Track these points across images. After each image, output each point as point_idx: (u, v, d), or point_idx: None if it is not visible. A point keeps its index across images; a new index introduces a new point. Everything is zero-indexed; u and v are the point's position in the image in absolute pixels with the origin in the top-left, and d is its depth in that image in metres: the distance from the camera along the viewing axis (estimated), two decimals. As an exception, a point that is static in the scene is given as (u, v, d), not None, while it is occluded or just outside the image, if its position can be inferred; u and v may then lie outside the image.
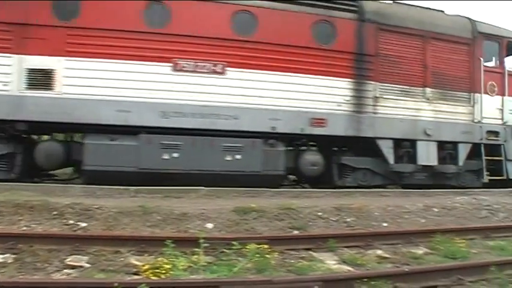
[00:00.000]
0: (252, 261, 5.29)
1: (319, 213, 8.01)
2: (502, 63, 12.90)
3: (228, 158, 10.04)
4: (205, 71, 10.11)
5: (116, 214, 7.01)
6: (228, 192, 9.38)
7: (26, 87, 9.26)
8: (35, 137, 11.21)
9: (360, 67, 11.17)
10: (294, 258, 5.93)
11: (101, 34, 9.52)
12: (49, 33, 9.31)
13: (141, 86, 9.72)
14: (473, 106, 12.25)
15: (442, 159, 11.86)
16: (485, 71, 12.40)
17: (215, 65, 10.17)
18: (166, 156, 9.70)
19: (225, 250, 5.70)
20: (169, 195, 8.81)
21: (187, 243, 5.67)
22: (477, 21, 12.65)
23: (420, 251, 6.70)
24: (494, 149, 12.49)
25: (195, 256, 5.21)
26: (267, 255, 5.53)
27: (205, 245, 5.13)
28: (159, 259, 5.13)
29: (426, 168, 11.77)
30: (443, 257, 6.40)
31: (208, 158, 9.88)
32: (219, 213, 7.47)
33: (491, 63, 12.91)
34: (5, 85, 9.18)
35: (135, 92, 9.69)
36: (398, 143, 11.47)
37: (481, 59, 12.35)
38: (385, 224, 8.19)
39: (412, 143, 11.61)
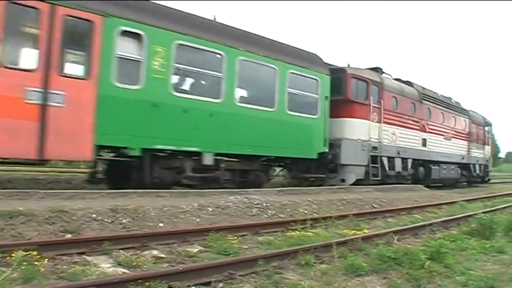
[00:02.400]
0: (18, 270, 4.99)
1: (94, 215, 7.87)
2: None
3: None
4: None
5: None
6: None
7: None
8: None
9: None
10: (66, 264, 5.74)
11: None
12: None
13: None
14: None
15: None
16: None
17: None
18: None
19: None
20: None
21: None
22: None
23: (195, 249, 7.08)
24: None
25: None
26: (36, 263, 5.29)
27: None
28: None
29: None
30: (217, 253, 6.86)
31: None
32: (-23, 218, 6.83)
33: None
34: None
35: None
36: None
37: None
38: (161, 224, 8.43)
39: None
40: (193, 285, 5.22)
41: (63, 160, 11.56)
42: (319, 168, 15.97)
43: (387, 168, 18.71)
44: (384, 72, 19.65)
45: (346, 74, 17.09)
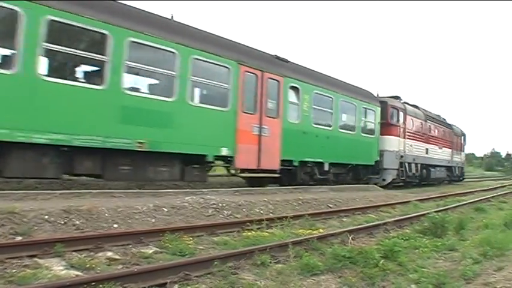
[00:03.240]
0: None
1: (46, 217, 7.67)
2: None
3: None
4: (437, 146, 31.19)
5: None
6: None
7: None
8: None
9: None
10: (16, 267, 5.58)
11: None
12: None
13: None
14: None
15: None
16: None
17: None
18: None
19: None
20: None
21: None
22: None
23: (150, 250, 7.01)
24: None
25: None
26: (-17, 267, 5.12)
27: None
28: None
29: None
30: (172, 254, 6.83)
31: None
32: None
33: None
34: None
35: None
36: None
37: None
38: (115, 225, 8.32)
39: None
40: (148, 287, 5.17)
41: (266, 170, 15.40)
42: (372, 171, 22.50)
43: (407, 171, 25.42)
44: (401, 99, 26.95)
45: (387, 105, 23.85)
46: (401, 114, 24.96)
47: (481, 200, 19.09)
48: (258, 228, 9.08)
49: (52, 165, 10.21)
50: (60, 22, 9.81)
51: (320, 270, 6.33)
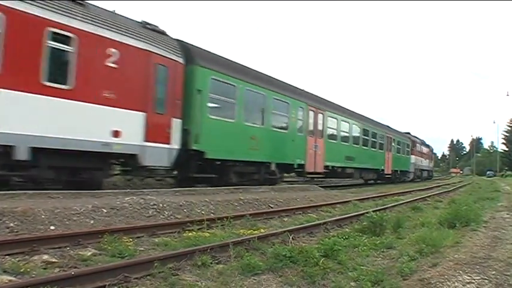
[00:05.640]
0: None
1: (-23, 219, 7.37)
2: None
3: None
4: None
5: None
6: None
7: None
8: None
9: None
10: None
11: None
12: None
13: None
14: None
15: None
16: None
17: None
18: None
19: None
20: None
21: None
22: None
23: (89, 252, 6.84)
24: None
25: None
26: None
27: None
28: None
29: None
30: (112, 256, 6.71)
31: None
32: None
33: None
34: None
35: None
36: None
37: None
38: (52, 227, 8.10)
39: None
40: (86, 290, 5.07)
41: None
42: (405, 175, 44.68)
43: (417, 173, 50.25)
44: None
45: (412, 140, 48.79)
46: (416, 144, 51.06)
47: (417, 199, 19.85)
48: (199, 229, 9.07)
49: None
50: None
51: (261, 270, 6.37)
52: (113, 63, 12.04)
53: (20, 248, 6.52)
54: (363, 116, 32.58)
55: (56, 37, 10.74)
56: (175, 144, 14.20)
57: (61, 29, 10.82)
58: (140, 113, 12.90)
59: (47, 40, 10.52)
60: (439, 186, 36.95)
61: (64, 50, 10.98)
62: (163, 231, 8.85)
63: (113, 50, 12.05)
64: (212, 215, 11.01)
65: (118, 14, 13.12)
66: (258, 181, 18.36)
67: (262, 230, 9.58)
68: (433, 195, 23.28)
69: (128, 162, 13.41)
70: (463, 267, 6.18)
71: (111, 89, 11.96)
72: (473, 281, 5.61)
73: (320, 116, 24.07)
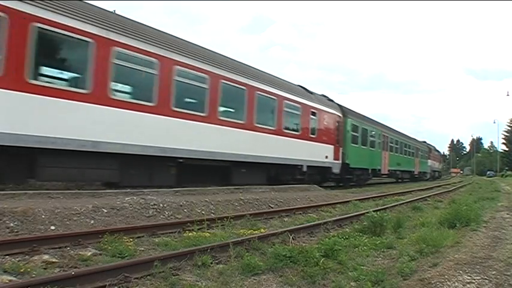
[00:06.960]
0: None
1: (-24, 219, 7.36)
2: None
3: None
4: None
5: None
6: None
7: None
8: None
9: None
10: None
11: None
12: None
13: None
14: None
15: None
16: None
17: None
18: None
19: None
20: None
21: None
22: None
23: (89, 252, 6.84)
24: None
25: None
26: None
27: None
28: None
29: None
30: (112, 256, 6.71)
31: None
32: None
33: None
34: None
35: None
36: None
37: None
38: (52, 227, 8.09)
39: None
40: (86, 290, 5.09)
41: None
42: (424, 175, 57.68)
43: (432, 173, 64.77)
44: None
45: (428, 147, 63.61)
46: (431, 151, 63.91)
47: (418, 199, 19.83)
48: (199, 229, 9.06)
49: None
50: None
51: (261, 270, 6.36)
52: (318, 120, 23.67)
53: (20, 248, 6.52)
54: (405, 135, 47.42)
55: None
56: (340, 160, 26.13)
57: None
58: (332, 146, 24.97)
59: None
60: (439, 186, 36.99)
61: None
62: (164, 231, 8.85)
63: (318, 113, 23.75)
64: (212, 215, 11.01)
65: (312, 91, 24.95)
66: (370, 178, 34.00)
67: (262, 230, 9.57)
68: (433, 195, 23.27)
69: (327, 171, 24.90)
70: (463, 267, 6.17)
71: (322, 135, 23.90)
72: (473, 281, 5.59)
73: (387, 137, 37.27)
